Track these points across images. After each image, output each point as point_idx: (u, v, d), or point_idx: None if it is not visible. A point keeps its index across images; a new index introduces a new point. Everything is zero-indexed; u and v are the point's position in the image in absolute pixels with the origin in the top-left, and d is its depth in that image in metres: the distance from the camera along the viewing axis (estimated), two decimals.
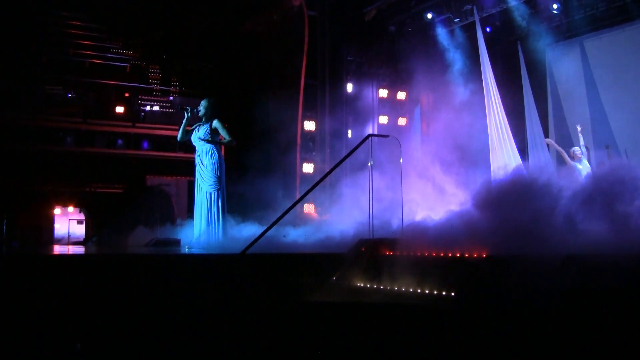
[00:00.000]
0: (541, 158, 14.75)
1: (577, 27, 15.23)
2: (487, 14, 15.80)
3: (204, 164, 11.34)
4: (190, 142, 11.62)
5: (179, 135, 11.71)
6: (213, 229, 11.26)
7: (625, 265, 6.15)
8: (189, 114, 11.57)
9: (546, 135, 15.46)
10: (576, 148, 13.31)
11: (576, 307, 6.19)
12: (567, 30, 15.61)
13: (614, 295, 6.20)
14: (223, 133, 11.34)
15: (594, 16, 14.84)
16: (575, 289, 6.36)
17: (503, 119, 14.05)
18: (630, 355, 4.87)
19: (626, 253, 6.38)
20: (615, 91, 14.64)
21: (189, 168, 12.31)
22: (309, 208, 16.37)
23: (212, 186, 11.27)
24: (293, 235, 12.23)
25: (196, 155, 11.52)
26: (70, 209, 17.56)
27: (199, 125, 11.53)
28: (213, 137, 11.35)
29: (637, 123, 14.13)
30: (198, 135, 11.43)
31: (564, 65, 15.89)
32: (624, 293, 6.08)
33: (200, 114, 11.53)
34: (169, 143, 18.53)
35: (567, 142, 14.92)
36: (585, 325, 5.64)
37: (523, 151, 14.84)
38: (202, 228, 11.27)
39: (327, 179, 13.41)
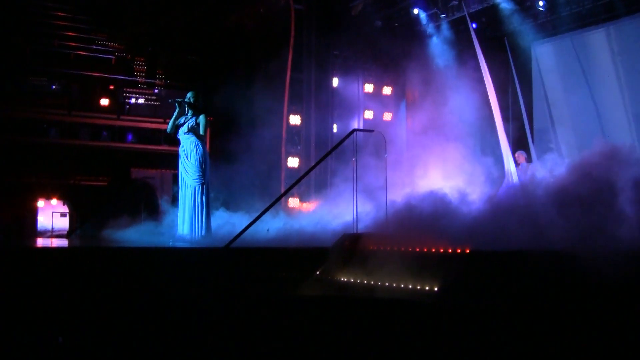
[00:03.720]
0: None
1: (563, 24, 15.28)
2: (473, 10, 15.80)
3: (189, 157, 11.29)
4: (176, 135, 11.58)
5: (169, 127, 11.64)
6: (197, 223, 11.24)
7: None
8: (180, 107, 11.52)
9: (531, 130, 15.57)
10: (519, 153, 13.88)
11: (559, 302, 6.23)
12: (553, 27, 15.68)
13: (594, 291, 6.25)
14: (201, 127, 11.33)
15: (580, 13, 14.88)
16: (559, 284, 6.41)
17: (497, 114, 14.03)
18: (616, 350, 4.90)
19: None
20: (600, 88, 14.72)
21: (173, 161, 12.28)
22: (293, 202, 16.38)
23: (197, 180, 11.23)
24: (272, 229, 12.22)
25: (180, 149, 11.48)
26: (54, 201, 17.46)
27: (186, 118, 11.48)
28: (195, 130, 11.32)
29: (621, 119, 14.22)
30: (183, 130, 11.39)
31: (549, 62, 15.96)
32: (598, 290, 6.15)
33: (187, 105, 11.46)
34: (154, 136, 18.48)
35: (549, 137, 15.06)
36: (568, 321, 5.68)
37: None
38: (186, 221, 11.25)
39: (312, 173, 13.44)
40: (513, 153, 14.19)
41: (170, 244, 11.06)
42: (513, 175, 13.10)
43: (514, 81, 15.45)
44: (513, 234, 7.32)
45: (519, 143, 15.30)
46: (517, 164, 13.71)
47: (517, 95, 15.31)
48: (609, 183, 7.61)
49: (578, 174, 8.24)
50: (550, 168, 10.25)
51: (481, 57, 14.19)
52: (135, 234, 12.82)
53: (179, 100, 11.53)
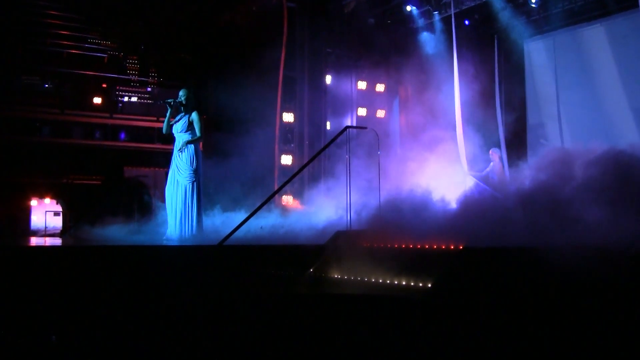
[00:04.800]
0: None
1: (556, 20, 15.32)
2: (466, 7, 15.83)
3: (181, 156, 11.27)
4: (172, 133, 11.55)
5: (164, 127, 11.59)
6: (188, 221, 11.22)
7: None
8: (171, 107, 11.47)
9: (523, 127, 15.64)
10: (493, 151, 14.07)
11: (553, 300, 6.24)
12: (545, 24, 15.71)
13: (588, 289, 6.27)
14: (197, 127, 11.28)
15: (572, 10, 14.93)
16: (552, 282, 6.42)
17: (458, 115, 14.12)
18: (609, 346, 4.92)
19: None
20: (592, 84, 14.75)
21: (166, 159, 12.26)
22: (287, 199, 16.37)
23: (188, 178, 11.20)
24: (265, 226, 12.21)
25: (175, 146, 11.46)
26: (47, 200, 17.43)
27: (180, 115, 11.45)
28: (190, 130, 11.28)
29: (612, 116, 14.26)
30: (176, 128, 11.37)
31: (542, 58, 16.00)
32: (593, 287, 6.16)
33: (179, 104, 11.42)
34: (147, 134, 18.45)
35: (542, 133, 15.12)
36: (561, 318, 5.69)
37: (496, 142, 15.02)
38: (178, 220, 11.22)
39: (306, 170, 13.44)
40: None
41: (164, 242, 11.05)
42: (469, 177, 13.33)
43: (505, 77, 15.51)
44: (494, 232, 7.34)
45: (514, 139, 15.38)
46: (490, 162, 13.89)
47: (510, 92, 15.39)
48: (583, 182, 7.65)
49: (550, 172, 8.29)
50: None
51: (456, 60, 14.24)
52: (128, 232, 12.81)
53: (170, 100, 11.48)
